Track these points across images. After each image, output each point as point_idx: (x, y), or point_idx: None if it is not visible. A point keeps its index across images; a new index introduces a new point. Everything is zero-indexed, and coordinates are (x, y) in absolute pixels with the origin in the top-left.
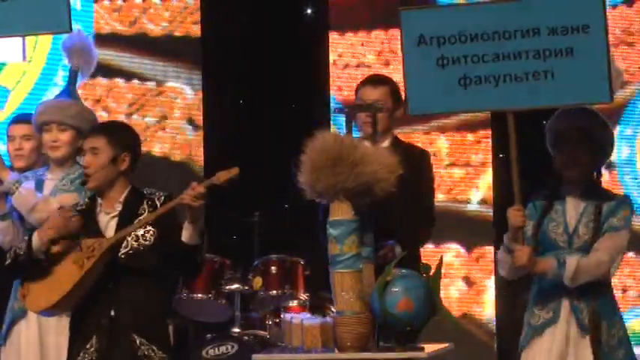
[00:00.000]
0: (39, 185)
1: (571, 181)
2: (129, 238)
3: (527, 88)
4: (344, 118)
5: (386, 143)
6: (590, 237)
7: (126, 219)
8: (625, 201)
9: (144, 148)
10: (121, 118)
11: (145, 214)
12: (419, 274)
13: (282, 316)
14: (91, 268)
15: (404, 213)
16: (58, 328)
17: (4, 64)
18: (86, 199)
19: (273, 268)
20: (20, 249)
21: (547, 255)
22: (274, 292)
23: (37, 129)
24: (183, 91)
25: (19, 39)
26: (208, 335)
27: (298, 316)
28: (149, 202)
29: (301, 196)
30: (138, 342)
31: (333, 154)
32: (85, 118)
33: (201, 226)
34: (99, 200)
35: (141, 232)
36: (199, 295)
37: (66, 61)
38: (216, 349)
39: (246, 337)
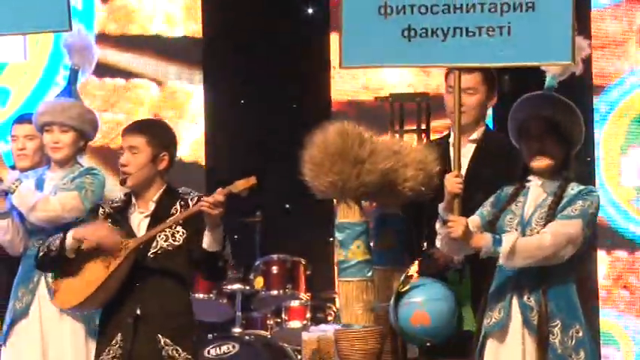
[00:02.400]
0: (39, 184)
1: (538, 173)
2: (158, 239)
3: (479, 44)
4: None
5: (475, 135)
6: (542, 228)
7: (157, 219)
8: (587, 193)
9: None
10: (121, 116)
11: (176, 215)
12: (444, 282)
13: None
14: (117, 269)
15: None
16: (60, 329)
17: (5, 64)
18: (121, 196)
19: (274, 268)
20: (53, 244)
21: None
22: (275, 292)
23: (38, 129)
24: (184, 91)
25: (21, 39)
26: (210, 335)
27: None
28: (182, 203)
29: (303, 195)
30: (162, 342)
31: (333, 150)
32: (87, 119)
33: (221, 233)
34: (133, 199)
35: (170, 232)
36: (201, 295)
37: (67, 60)
38: (218, 348)
39: (247, 337)
